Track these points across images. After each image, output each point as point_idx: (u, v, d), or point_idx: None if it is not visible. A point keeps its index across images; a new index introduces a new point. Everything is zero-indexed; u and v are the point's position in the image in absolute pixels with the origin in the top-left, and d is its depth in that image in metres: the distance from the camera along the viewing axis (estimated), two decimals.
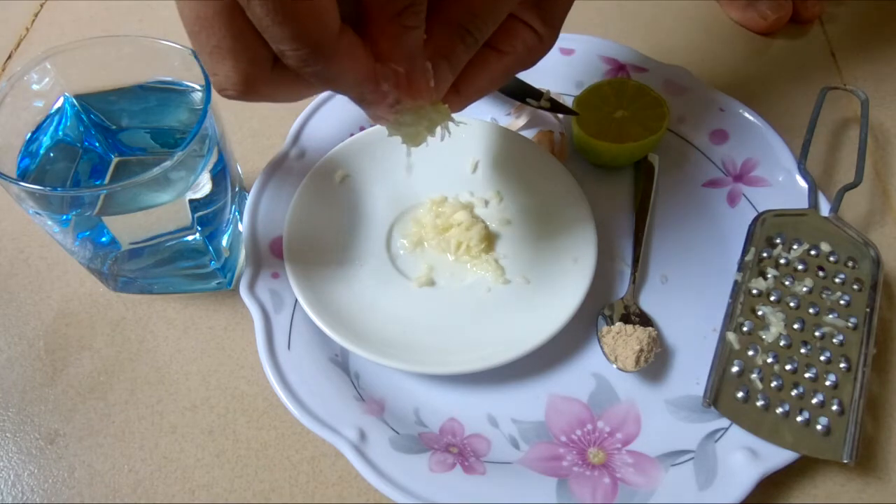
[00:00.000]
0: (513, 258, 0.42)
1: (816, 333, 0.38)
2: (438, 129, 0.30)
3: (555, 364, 0.39)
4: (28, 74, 0.36)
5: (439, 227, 0.43)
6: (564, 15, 0.32)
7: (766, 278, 0.40)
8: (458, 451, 0.36)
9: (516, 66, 0.31)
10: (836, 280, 0.40)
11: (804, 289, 0.40)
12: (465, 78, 0.30)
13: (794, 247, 0.41)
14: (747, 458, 0.34)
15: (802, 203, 0.43)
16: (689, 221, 0.45)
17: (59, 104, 0.37)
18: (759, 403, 0.36)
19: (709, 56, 0.56)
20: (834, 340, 0.38)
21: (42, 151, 0.36)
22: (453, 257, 0.42)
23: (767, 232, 0.42)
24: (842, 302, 0.39)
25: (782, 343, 0.38)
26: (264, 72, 0.25)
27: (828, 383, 0.36)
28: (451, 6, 0.27)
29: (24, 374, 0.40)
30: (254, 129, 0.51)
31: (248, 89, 0.25)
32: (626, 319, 0.40)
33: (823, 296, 0.39)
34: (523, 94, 0.48)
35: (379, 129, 0.46)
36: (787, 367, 0.37)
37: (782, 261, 0.41)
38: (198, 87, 0.38)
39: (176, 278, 0.41)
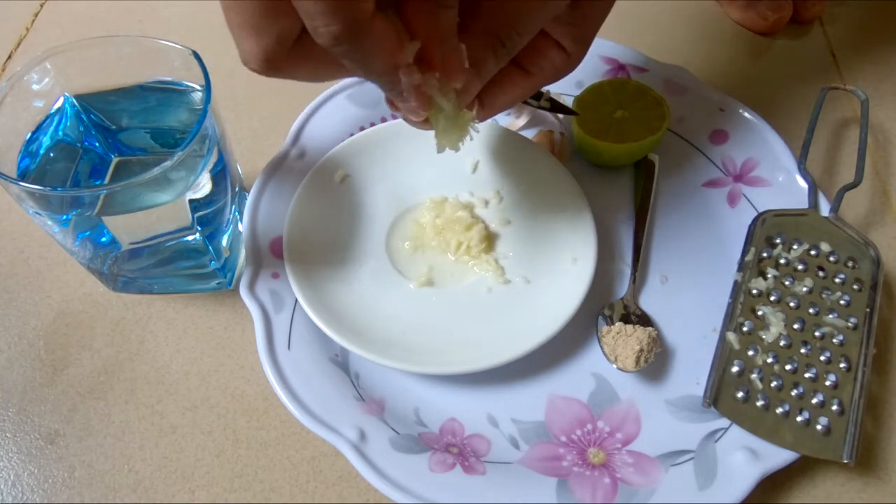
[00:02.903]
0: (513, 258, 0.42)
1: (816, 333, 0.38)
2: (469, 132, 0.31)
3: (555, 364, 0.39)
4: (28, 74, 0.36)
5: (439, 227, 0.43)
6: (595, 33, 0.32)
7: (766, 278, 0.40)
8: (458, 451, 0.36)
9: (541, 84, 0.32)
10: (836, 280, 0.40)
11: (804, 289, 0.40)
12: (491, 93, 0.31)
13: (794, 247, 0.41)
14: (747, 458, 0.34)
15: (802, 203, 0.43)
16: (689, 221, 0.45)
17: (59, 104, 0.37)
18: (759, 403, 0.36)
19: (709, 56, 0.56)
20: (834, 340, 0.38)
21: (42, 151, 0.36)
22: (453, 257, 0.42)
23: (767, 232, 0.42)
24: (842, 302, 0.39)
25: (782, 343, 0.38)
26: (286, 49, 0.26)
27: (828, 383, 0.36)
28: (486, 17, 0.27)
29: (24, 374, 0.40)
30: (254, 129, 0.51)
31: (270, 66, 0.26)
32: (626, 319, 0.40)
33: (823, 296, 0.39)
34: None
35: (379, 130, 0.46)
36: (787, 367, 0.37)
37: (782, 261, 0.41)
38: (198, 87, 0.38)
39: (176, 278, 0.41)
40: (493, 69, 0.29)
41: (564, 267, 0.41)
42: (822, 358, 0.37)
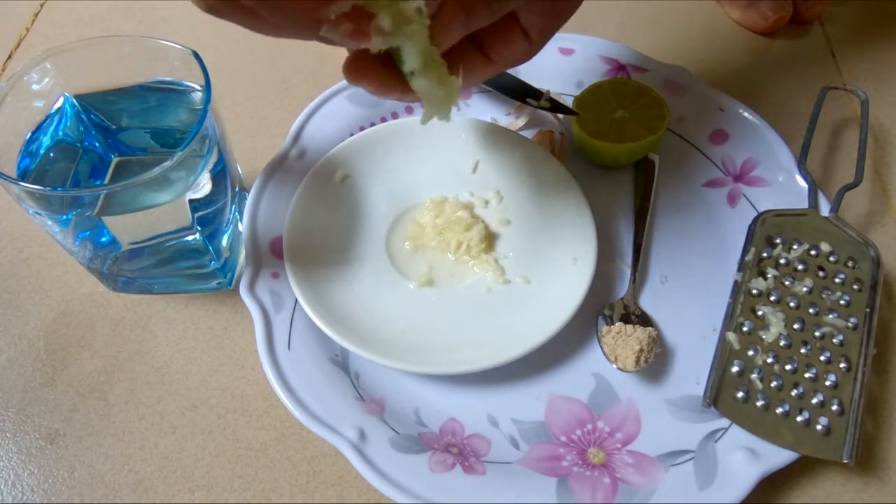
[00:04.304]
0: (513, 258, 0.42)
1: (816, 333, 0.38)
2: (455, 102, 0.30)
3: (555, 364, 0.39)
4: (28, 74, 0.36)
5: (439, 227, 0.43)
6: (558, 29, 0.33)
7: (766, 278, 0.40)
8: (458, 451, 0.36)
9: (499, 70, 0.33)
10: (836, 280, 0.40)
11: (804, 289, 0.40)
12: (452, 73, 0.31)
13: (794, 247, 0.41)
14: (747, 458, 0.34)
15: (802, 203, 0.43)
16: (689, 221, 0.45)
17: (59, 104, 0.37)
18: (759, 403, 0.36)
19: (709, 56, 0.56)
20: (834, 340, 0.38)
21: (42, 151, 0.36)
22: (453, 257, 0.42)
23: (767, 232, 0.42)
24: (842, 302, 0.39)
25: (782, 343, 0.38)
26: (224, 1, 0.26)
27: (828, 383, 0.36)
28: None
29: (24, 374, 0.40)
30: (254, 129, 0.51)
31: (207, 8, 0.26)
32: (626, 319, 0.40)
33: (823, 296, 0.39)
34: (523, 94, 0.48)
35: (379, 130, 0.46)
36: (787, 367, 0.37)
37: (782, 261, 0.41)
38: (198, 87, 0.38)
39: (176, 278, 0.41)
40: (483, 21, 0.28)
41: (564, 267, 0.41)
42: (822, 358, 0.37)
